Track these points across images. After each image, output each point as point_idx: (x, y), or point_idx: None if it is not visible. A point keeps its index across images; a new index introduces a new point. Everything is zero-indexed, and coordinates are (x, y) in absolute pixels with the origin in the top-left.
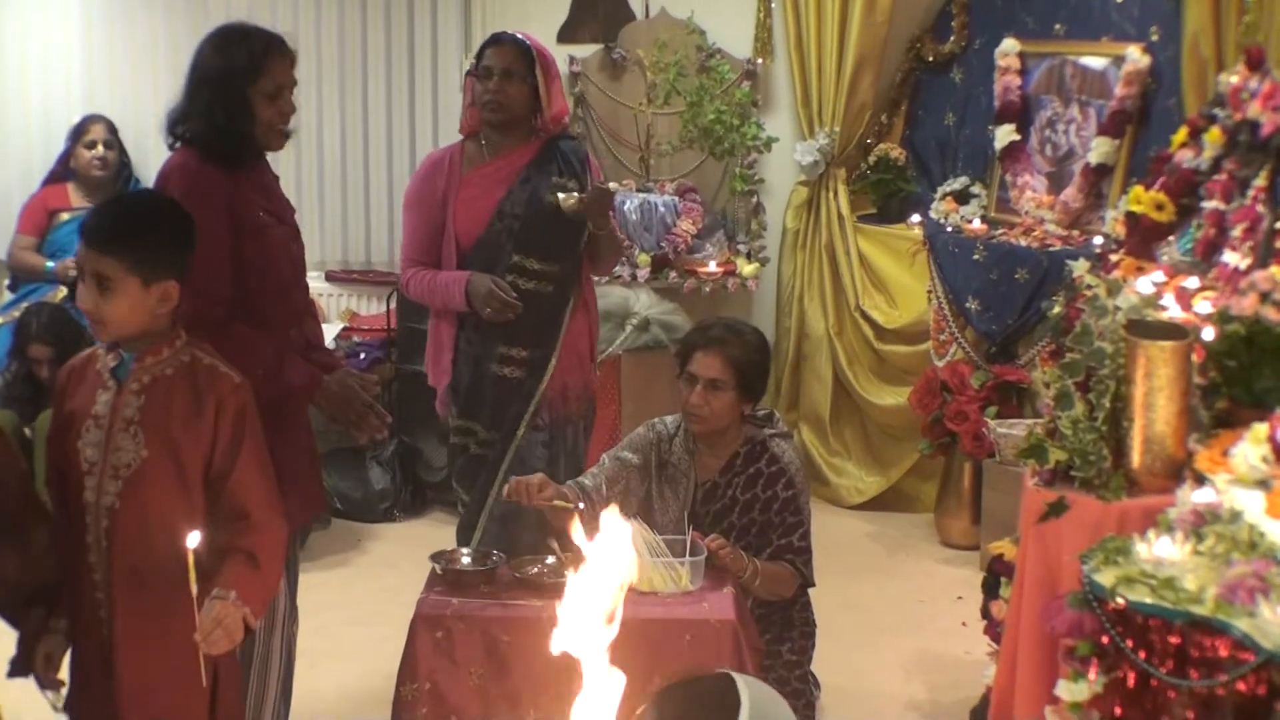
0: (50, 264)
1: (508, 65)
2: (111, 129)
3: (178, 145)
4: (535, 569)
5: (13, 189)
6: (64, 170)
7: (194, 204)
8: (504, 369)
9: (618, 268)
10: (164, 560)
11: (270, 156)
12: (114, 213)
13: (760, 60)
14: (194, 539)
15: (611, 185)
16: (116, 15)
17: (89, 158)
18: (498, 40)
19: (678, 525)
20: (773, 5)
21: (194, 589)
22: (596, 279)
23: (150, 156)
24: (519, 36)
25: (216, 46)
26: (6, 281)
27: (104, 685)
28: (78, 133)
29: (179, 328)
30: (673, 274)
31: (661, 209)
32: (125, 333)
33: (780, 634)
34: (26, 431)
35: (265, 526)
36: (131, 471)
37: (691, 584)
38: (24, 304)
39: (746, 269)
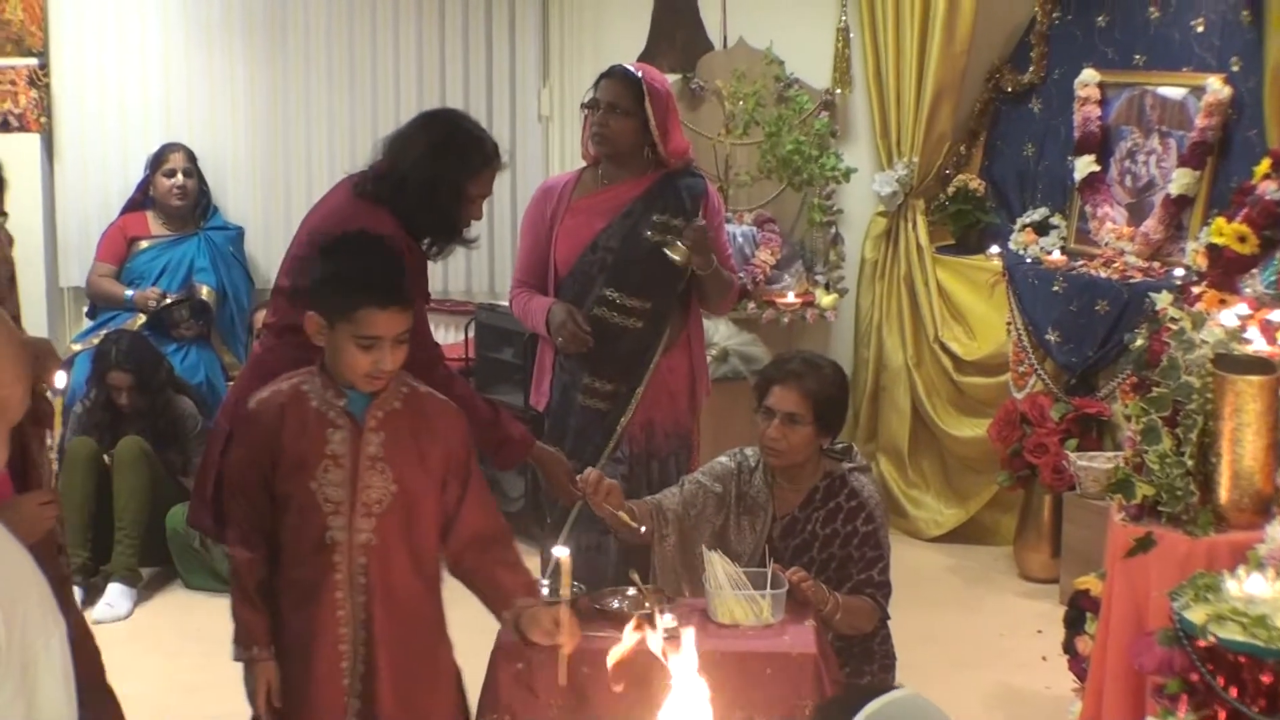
0: (129, 292)
1: (613, 99)
2: (190, 158)
3: (365, 197)
4: (616, 601)
5: (92, 217)
6: (143, 198)
7: (411, 273)
8: (589, 400)
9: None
10: (419, 590)
11: None
12: (389, 269)
13: (839, 90)
14: (561, 551)
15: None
16: (196, 45)
17: (168, 186)
18: (609, 73)
19: (753, 558)
20: (851, 35)
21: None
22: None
23: (228, 185)
24: (630, 69)
25: (449, 136)
26: (85, 309)
27: None
28: (157, 161)
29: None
30: (751, 305)
31: (740, 239)
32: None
33: (860, 666)
34: (105, 459)
35: (508, 534)
36: (384, 508)
37: (773, 617)
38: (103, 331)
39: (825, 300)
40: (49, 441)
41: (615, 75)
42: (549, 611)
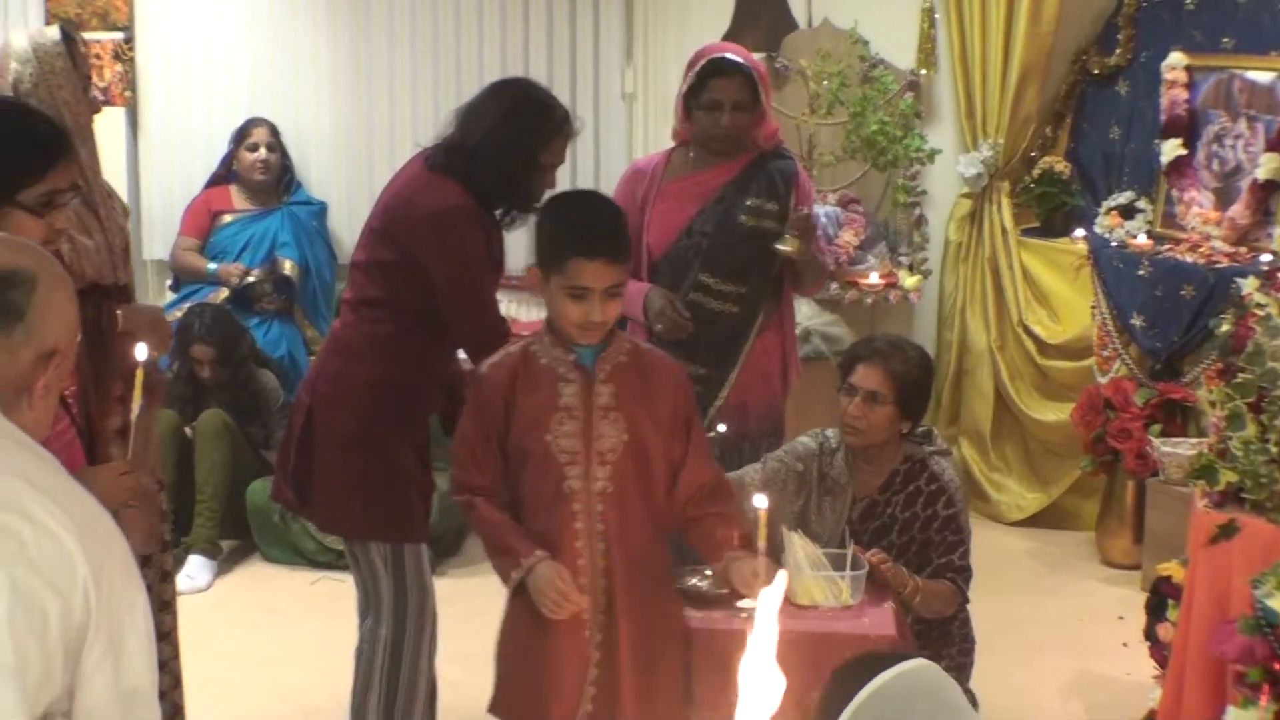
0: (212, 266)
1: (739, 98)
2: (274, 132)
3: (437, 170)
4: (695, 580)
5: (176, 191)
6: (226, 173)
7: (477, 240)
8: None
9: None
10: (652, 539)
11: None
12: (600, 221)
13: (923, 71)
14: (761, 501)
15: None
16: (280, 19)
17: (251, 160)
18: (721, 70)
19: (833, 539)
20: (936, 16)
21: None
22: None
23: (311, 160)
24: (741, 62)
25: (520, 104)
26: (169, 282)
27: (578, 669)
28: (240, 135)
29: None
30: (834, 285)
31: (824, 220)
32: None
33: (939, 650)
34: (187, 431)
35: (727, 487)
36: (617, 456)
37: (852, 598)
38: (186, 305)
39: (908, 281)
40: (133, 414)
41: (731, 72)
42: (749, 562)
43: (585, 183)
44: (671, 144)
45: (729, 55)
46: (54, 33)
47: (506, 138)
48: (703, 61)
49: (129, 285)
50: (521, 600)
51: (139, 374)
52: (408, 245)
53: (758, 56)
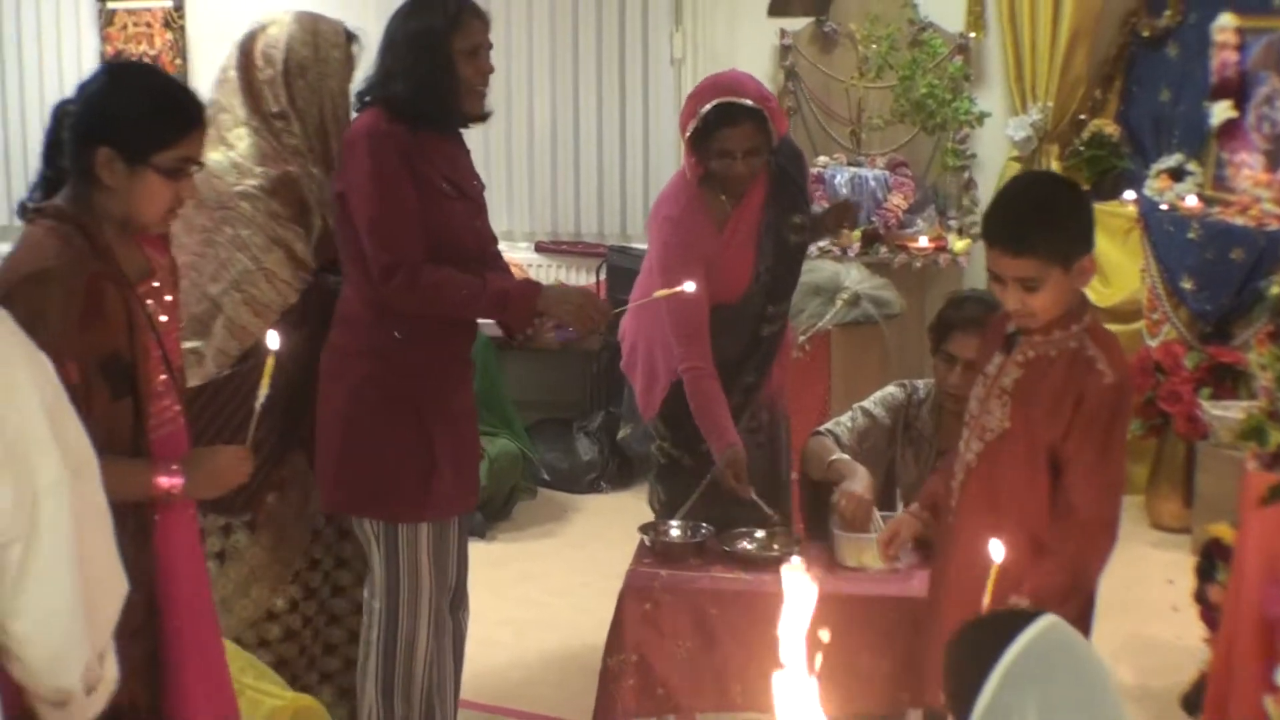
0: None
1: (750, 146)
2: None
3: (362, 107)
4: (744, 543)
5: None
6: None
7: (380, 162)
8: (735, 397)
9: (825, 243)
10: (998, 528)
11: (480, 129)
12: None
13: (972, 34)
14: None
15: (821, 159)
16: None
17: None
18: (730, 119)
19: (914, 490)
20: None
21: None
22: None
23: None
24: (749, 105)
25: (412, 10)
26: None
27: None
28: None
29: (1086, 312)
30: (883, 249)
31: (872, 183)
32: (1051, 317)
33: None
34: None
35: (1085, 529)
36: (994, 436)
37: (898, 562)
38: None
39: (958, 245)
40: (258, 400)
41: (741, 121)
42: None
43: (634, 144)
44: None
45: (734, 100)
46: (339, 25)
47: (408, 39)
48: (708, 107)
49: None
50: None
51: (269, 362)
52: (340, 191)
53: (806, 21)
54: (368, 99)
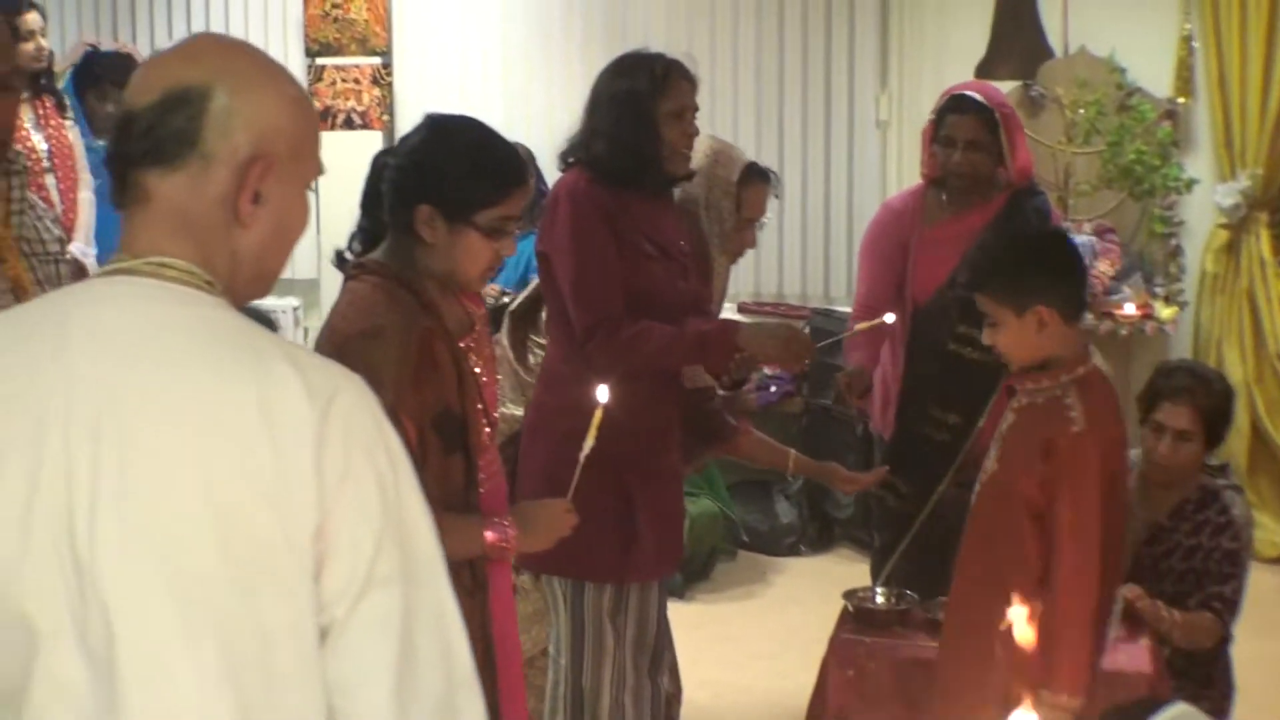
0: None
1: (972, 137)
2: (529, 156)
3: (567, 168)
4: (870, 603)
5: None
6: None
7: (581, 222)
8: (934, 431)
9: None
10: (992, 569)
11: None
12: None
13: (1181, 99)
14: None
15: None
16: (535, 46)
17: None
18: (960, 108)
19: (1123, 561)
20: (1194, 44)
21: None
22: None
23: None
24: (981, 101)
25: (617, 71)
26: None
27: None
28: None
29: (1081, 364)
30: (1089, 316)
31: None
32: (1022, 361)
33: (1198, 691)
34: None
35: (1066, 585)
36: (987, 477)
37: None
38: None
39: (1164, 312)
40: (583, 452)
41: (967, 109)
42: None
43: (838, 208)
44: (920, 176)
45: (968, 93)
46: (734, 174)
47: (612, 100)
48: (945, 98)
49: None
50: None
51: (596, 414)
52: (541, 251)
53: (1011, 86)
54: (571, 159)
